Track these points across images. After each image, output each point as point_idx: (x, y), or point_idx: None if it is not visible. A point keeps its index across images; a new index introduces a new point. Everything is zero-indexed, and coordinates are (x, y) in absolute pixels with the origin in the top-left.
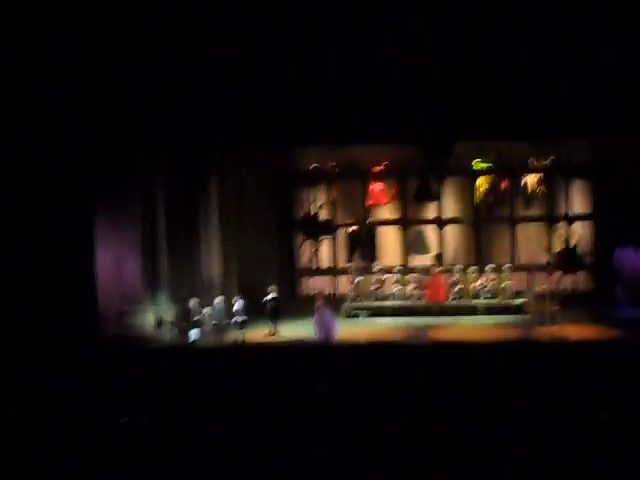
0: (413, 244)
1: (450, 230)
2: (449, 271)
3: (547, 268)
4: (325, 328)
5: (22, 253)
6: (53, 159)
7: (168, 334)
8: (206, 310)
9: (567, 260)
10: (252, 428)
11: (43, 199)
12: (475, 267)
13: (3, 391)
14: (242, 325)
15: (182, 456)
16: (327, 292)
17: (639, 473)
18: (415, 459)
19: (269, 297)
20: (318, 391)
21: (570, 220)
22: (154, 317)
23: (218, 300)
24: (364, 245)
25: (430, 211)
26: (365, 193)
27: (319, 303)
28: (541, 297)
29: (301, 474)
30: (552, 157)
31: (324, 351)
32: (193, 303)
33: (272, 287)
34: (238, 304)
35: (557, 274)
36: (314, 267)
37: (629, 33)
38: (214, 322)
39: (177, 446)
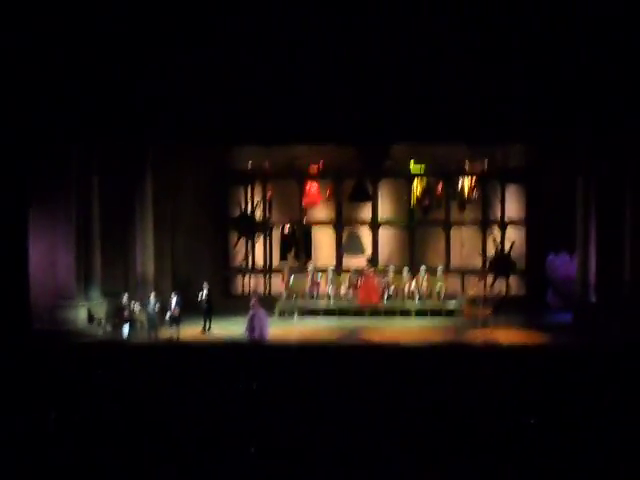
0: (347, 245)
1: (384, 232)
2: (383, 272)
3: (480, 272)
4: (258, 327)
5: None
6: None
7: (100, 330)
8: (136, 306)
9: (500, 264)
10: (181, 425)
11: None
12: (409, 269)
13: None
14: (176, 321)
15: (112, 453)
16: (261, 291)
17: (568, 474)
18: (343, 460)
19: (203, 294)
20: (249, 389)
21: (504, 225)
22: (86, 312)
23: (151, 297)
24: (299, 244)
25: (365, 212)
26: (301, 193)
27: (253, 302)
28: (474, 301)
29: (229, 473)
30: (486, 161)
31: (256, 350)
32: (125, 299)
33: (206, 284)
34: (174, 300)
35: (490, 278)
36: (248, 265)
37: (562, 36)
38: (148, 318)
39: (108, 443)
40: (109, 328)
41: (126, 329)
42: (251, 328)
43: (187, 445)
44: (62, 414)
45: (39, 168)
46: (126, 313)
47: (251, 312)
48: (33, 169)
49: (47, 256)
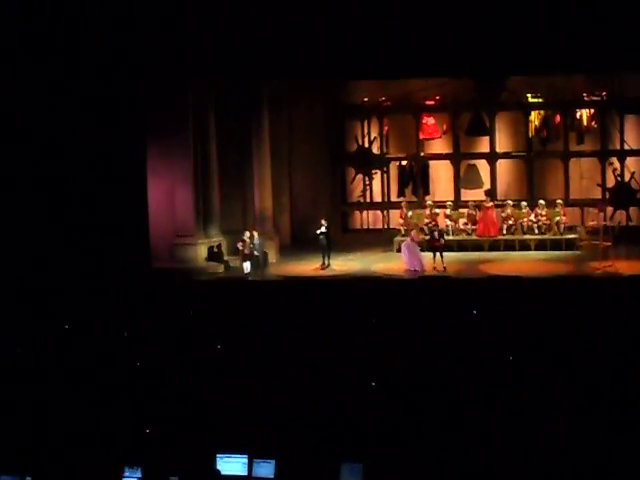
0: (465, 178)
1: (502, 164)
2: (501, 206)
3: (599, 203)
4: (415, 258)
5: (74, 185)
6: (105, 91)
7: (220, 267)
8: (257, 242)
9: (620, 195)
10: (305, 361)
11: (96, 131)
12: (527, 202)
13: (55, 317)
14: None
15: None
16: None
17: None
18: (460, 391)
19: (321, 230)
20: (369, 323)
21: (623, 155)
22: (206, 250)
23: (255, 235)
24: (416, 179)
25: (483, 145)
26: (418, 127)
27: (413, 234)
28: (593, 232)
29: (351, 404)
30: (604, 92)
31: (374, 285)
32: (246, 236)
33: (324, 220)
34: (256, 238)
35: (609, 209)
36: (366, 201)
37: None
38: (255, 254)
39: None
40: (230, 265)
41: (247, 266)
42: (411, 258)
43: (309, 380)
44: (180, 352)
45: (157, 107)
46: (246, 250)
47: (404, 244)
48: (151, 108)
49: (166, 195)
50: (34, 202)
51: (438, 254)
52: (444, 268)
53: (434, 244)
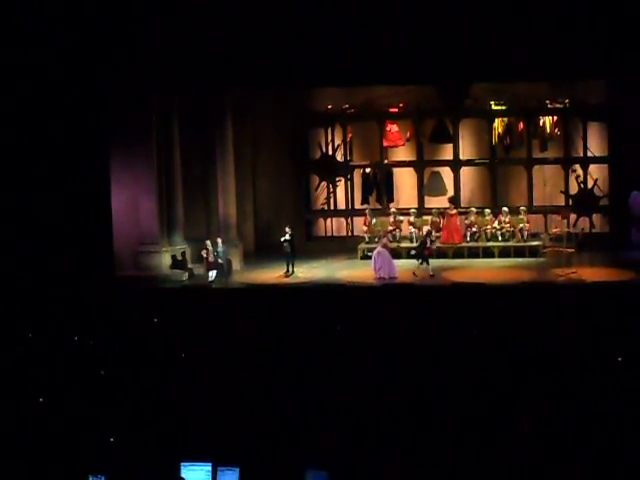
0: (429, 186)
1: (466, 172)
2: (465, 213)
3: (563, 210)
4: (388, 265)
5: (38, 191)
6: (70, 96)
7: (184, 275)
8: (221, 250)
9: (583, 202)
10: (268, 368)
11: (58, 137)
12: (491, 209)
13: (17, 326)
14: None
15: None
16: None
17: None
18: (426, 396)
19: (285, 238)
20: (334, 331)
21: (586, 162)
22: (170, 258)
23: (219, 242)
24: (380, 187)
25: (446, 153)
26: (381, 134)
27: (385, 241)
28: (557, 239)
29: (315, 412)
30: (567, 99)
31: (338, 292)
32: (209, 244)
33: (288, 228)
34: (220, 246)
35: (573, 216)
36: (330, 208)
37: None
38: (219, 262)
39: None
40: (194, 273)
41: (212, 273)
42: (379, 266)
43: (272, 388)
44: (147, 359)
45: (120, 117)
46: (210, 258)
47: (376, 251)
48: (114, 118)
49: (130, 203)
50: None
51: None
52: (431, 275)
53: (427, 251)
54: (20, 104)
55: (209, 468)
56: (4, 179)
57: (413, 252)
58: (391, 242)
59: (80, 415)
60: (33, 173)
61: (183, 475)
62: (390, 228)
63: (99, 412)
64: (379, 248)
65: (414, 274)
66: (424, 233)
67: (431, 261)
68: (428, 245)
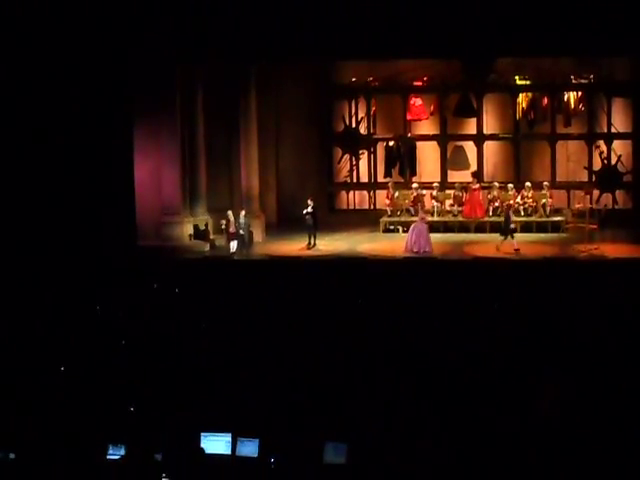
0: (452, 160)
1: (489, 146)
2: (488, 188)
3: (586, 186)
4: (424, 240)
5: (62, 160)
6: (95, 64)
7: (206, 245)
8: (243, 221)
9: (606, 178)
10: (290, 341)
11: (83, 105)
12: (514, 184)
13: (40, 295)
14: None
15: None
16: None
17: None
18: (446, 373)
19: (307, 210)
20: (355, 304)
21: (610, 138)
22: (192, 228)
23: (241, 214)
24: (403, 160)
25: (470, 127)
26: (405, 107)
27: (422, 214)
28: (579, 215)
29: (336, 385)
30: (592, 75)
31: (360, 265)
32: (232, 215)
33: (310, 200)
34: (242, 217)
35: (596, 192)
36: (352, 181)
37: None
38: (241, 233)
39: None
40: (216, 244)
41: (234, 245)
42: (415, 240)
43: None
44: (166, 330)
45: (145, 87)
46: (232, 229)
47: (413, 225)
48: (139, 88)
49: (153, 173)
50: (21, 181)
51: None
52: (516, 249)
53: (510, 227)
54: (45, 72)
55: (229, 439)
56: (28, 148)
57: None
58: (413, 216)
59: (101, 385)
60: (58, 141)
61: (203, 445)
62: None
63: (119, 382)
64: (417, 222)
65: (497, 249)
66: (505, 208)
67: (453, 235)
68: (512, 219)
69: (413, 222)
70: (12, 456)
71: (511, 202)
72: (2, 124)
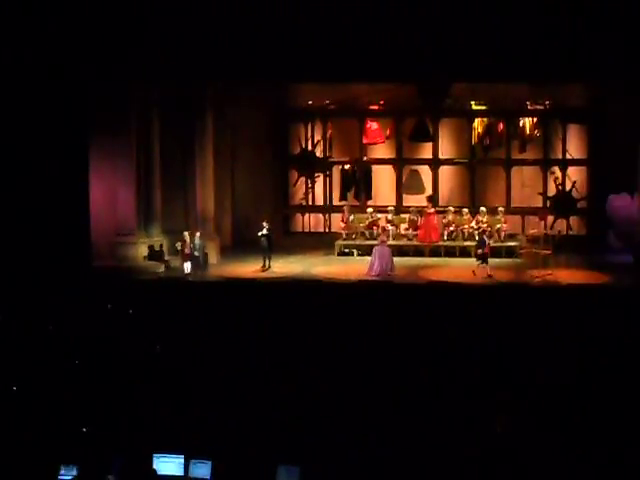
0: (408, 184)
1: (445, 171)
2: (443, 212)
3: (540, 212)
4: (386, 261)
5: (16, 179)
6: (50, 85)
7: (161, 267)
8: (197, 242)
9: (561, 204)
10: (243, 362)
11: (37, 126)
12: (469, 209)
13: None
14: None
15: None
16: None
17: (632, 413)
18: (405, 396)
19: (262, 232)
20: (308, 326)
21: (565, 164)
22: (147, 249)
23: (196, 236)
24: (358, 183)
25: (425, 151)
26: (361, 131)
27: (382, 237)
28: (534, 240)
29: (288, 406)
30: (548, 101)
31: (314, 287)
32: (186, 236)
33: (265, 222)
34: (197, 239)
35: (550, 218)
36: (308, 204)
37: None
38: (196, 254)
39: (170, 376)
40: (170, 265)
41: (188, 266)
42: (378, 262)
43: (244, 380)
44: (119, 351)
45: (99, 105)
46: (187, 250)
47: (378, 248)
48: (93, 107)
49: (108, 193)
50: None
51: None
52: (489, 275)
53: (484, 252)
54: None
55: (182, 460)
56: None
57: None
58: (368, 239)
59: (53, 405)
60: (11, 161)
61: (156, 466)
62: (367, 224)
63: (72, 403)
64: (379, 244)
65: (473, 273)
66: (477, 232)
67: (406, 259)
68: (487, 244)
69: (368, 245)
70: None
71: (484, 227)
72: None
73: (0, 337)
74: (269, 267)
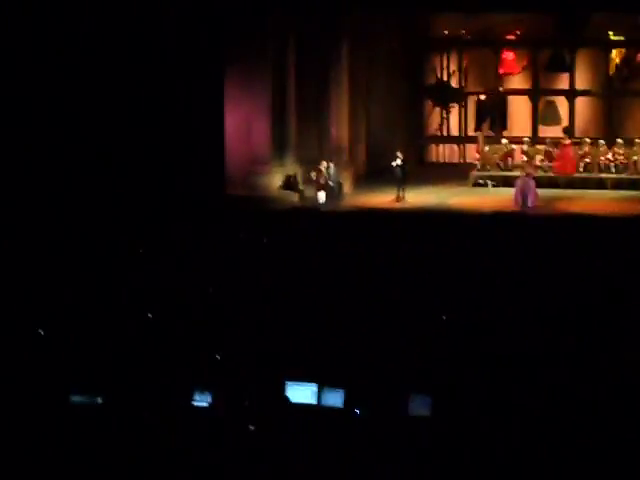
0: (543, 115)
1: (581, 102)
2: (578, 143)
3: None
4: (529, 194)
5: (153, 112)
6: (187, 12)
7: (295, 196)
8: (332, 172)
9: None
10: (378, 292)
11: (174, 54)
12: (605, 140)
13: (133, 239)
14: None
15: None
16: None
17: None
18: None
19: (396, 162)
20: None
21: None
22: (281, 178)
23: (331, 165)
24: (494, 114)
25: (562, 82)
26: (497, 62)
27: (529, 170)
28: None
29: (421, 337)
30: None
31: (447, 218)
32: (322, 165)
33: (400, 153)
34: (331, 169)
35: None
36: (443, 134)
37: None
38: (330, 184)
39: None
40: (304, 195)
41: (322, 195)
42: (520, 195)
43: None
44: (253, 279)
45: (236, 35)
46: (321, 180)
47: (520, 181)
48: (230, 36)
49: (243, 123)
50: (115, 126)
51: None
52: None
53: None
54: (138, 19)
55: (314, 388)
56: (120, 96)
57: None
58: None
59: (187, 333)
60: (148, 90)
61: (288, 394)
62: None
63: (206, 331)
64: (524, 177)
65: None
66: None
67: (542, 191)
68: None
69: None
70: (99, 401)
71: (621, 159)
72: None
73: (139, 263)
74: (403, 197)
